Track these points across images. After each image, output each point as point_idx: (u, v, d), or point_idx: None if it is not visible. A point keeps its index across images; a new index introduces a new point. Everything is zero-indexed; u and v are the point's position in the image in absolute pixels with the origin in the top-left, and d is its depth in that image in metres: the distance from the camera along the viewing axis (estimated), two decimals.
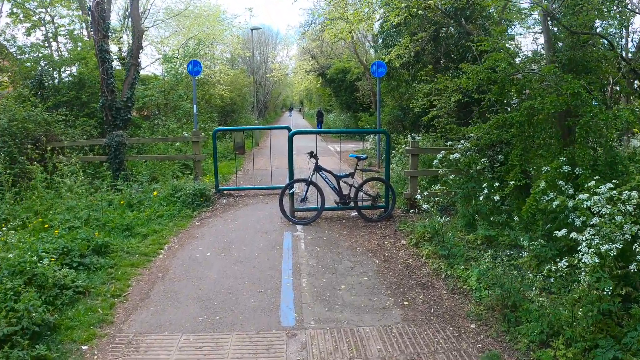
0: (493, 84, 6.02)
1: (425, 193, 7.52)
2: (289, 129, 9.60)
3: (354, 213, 7.87)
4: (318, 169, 7.45)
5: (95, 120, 12.29)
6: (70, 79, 13.43)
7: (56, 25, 13.86)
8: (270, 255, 6.12)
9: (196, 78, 13.35)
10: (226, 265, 5.75)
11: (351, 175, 7.48)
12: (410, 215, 7.88)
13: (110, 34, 11.69)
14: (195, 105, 13.59)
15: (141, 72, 18.77)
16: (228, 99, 23.48)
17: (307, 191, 7.48)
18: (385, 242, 6.58)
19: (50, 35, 13.65)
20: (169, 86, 17.36)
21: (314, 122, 34.48)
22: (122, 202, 8.21)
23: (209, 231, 7.31)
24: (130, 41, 12.52)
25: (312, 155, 7.38)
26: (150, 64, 19.45)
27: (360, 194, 7.53)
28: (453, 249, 5.64)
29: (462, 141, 6.35)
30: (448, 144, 8.89)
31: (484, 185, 6.01)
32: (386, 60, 12.08)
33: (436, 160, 6.59)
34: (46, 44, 13.59)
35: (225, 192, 9.93)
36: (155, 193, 8.89)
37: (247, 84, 28.57)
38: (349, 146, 19.97)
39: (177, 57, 18.08)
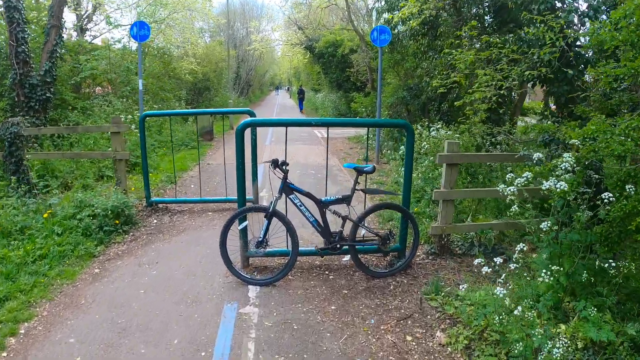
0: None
1: (472, 233, 4.50)
2: (250, 112, 6.45)
3: (346, 258, 4.80)
4: (287, 189, 4.33)
5: (4, 102, 8.95)
6: None
7: None
8: None
9: (156, 48, 10.26)
10: None
11: (346, 200, 4.36)
12: (441, 263, 4.84)
13: None
14: (140, 81, 10.34)
15: (96, 42, 15.32)
16: (200, 75, 20.10)
17: (266, 230, 4.33)
18: (408, 337, 3.54)
19: None
20: (120, 57, 13.96)
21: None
22: None
23: (104, 292, 4.24)
24: None
25: (277, 164, 4.24)
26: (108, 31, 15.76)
27: (361, 232, 4.46)
28: None
29: (565, 156, 3.24)
30: (494, 149, 5.86)
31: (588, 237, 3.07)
32: (393, 21, 8.88)
33: (509, 187, 3.43)
34: None
35: (159, 205, 6.80)
36: (46, 214, 5.75)
37: (225, 57, 25.05)
38: (342, 131, 16.84)
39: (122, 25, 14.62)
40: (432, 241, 5.04)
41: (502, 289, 2.99)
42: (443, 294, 4.02)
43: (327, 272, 4.61)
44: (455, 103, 6.42)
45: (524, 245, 3.24)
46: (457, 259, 4.90)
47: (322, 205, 4.30)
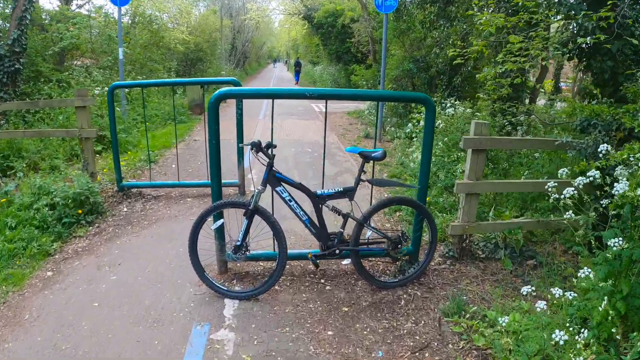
0: None
1: (497, 233, 3.66)
2: (235, 82, 5.52)
3: (347, 261, 3.97)
4: (272, 180, 3.43)
5: None
6: None
7: None
8: None
9: (146, 16, 9.15)
10: None
11: (348, 193, 3.49)
12: (460, 269, 4.02)
13: None
14: (121, 49, 9.37)
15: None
16: (192, 45, 18.93)
17: (245, 232, 3.42)
18: None
19: None
20: (103, 25, 12.84)
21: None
22: None
23: (53, 304, 3.43)
24: None
25: (259, 148, 3.36)
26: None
27: (367, 234, 3.60)
28: None
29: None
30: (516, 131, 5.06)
31: None
32: None
33: (567, 189, 2.56)
34: None
35: (133, 190, 5.94)
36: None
37: (219, 27, 23.76)
38: (341, 105, 15.88)
39: None
40: (451, 242, 4.20)
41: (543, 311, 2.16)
42: (468, 315, 3.20)
43: (322, 281, 3.78)
44: (477, 76, 5.47)
45: (586, 271, 2.39)
46: (480, 264, 4.08)
47: (318, 199, 3.43)
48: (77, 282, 3.78)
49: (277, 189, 3.35)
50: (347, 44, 17.84)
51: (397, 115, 10.28)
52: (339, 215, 3.46)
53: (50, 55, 10.21)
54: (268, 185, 3.34)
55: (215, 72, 21.74)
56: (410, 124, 7.39)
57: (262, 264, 3.99)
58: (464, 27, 7.59)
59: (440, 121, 5.84)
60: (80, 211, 4.98)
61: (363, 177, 3.39)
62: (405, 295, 3.59)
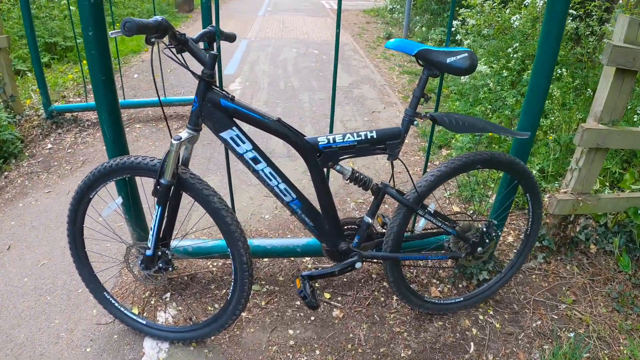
0: None
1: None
2: None
3: (358, 264, 2.13)
4: (214, 112, 1.47)
5: None
6: None
7: None
8: None
9: None
10: None
11: (388, 143, 1.57)
12: (560, 271, 2.36)
13: None
14: None
15: None
16: None
17: (159, 224, 1.56)
18: None
19: None
20: None
21: None
22: None
23: None
24: None
25: (174, 36, 1.34)
26: None
27: (419, 224, 1.85)
28: None
29: None
30: None
31: None
32: None
33: None
34: None
35: (64, 116, 4.14)
36: None
37: None
38: (355, 2, 13.55)
39: None
40: (547, 224, 2.48)
41: None
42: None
43: (327, 298, 2.15)
44: None
45: None
46: (584, 260, 2.43)
47: (322, 157, 1.62)
48: None
49: (225, 134, 1.54)
50: None
51: (429, 11, 8.03)
52: (365, 189, 1.71)
53: None
54: (204, 125, 1.53)
55: None
56: (453, 24, 5.32)
57: (216, 262, 2.34)
58: None
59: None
60: None
61: (421, 109, 1.57)
62: (474, 329, 1.98)
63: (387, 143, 1.58)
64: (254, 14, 11.40)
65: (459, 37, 5.31)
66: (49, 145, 3.77)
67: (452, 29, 5.36)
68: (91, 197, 1.64)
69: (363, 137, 1.55)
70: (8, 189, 3.13)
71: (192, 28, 9.11)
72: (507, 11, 4.60)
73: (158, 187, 1.50)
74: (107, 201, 1.77)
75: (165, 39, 1.33)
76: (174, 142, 1.43)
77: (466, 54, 1.47)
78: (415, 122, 1.59)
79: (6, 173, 3.33)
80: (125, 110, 4.39)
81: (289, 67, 6.08)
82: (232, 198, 2.13)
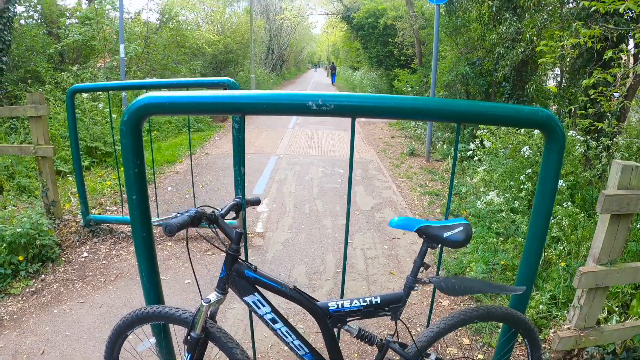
0: None
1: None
2: (230, 84, 3.84)
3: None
4: (239, 280, 1.70)
5: None
6: None
7: None
8: None
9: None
10: None
11: (391, 307, 1.68)
12: None
13: None
14: (122, 46, 8.05)
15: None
16: (221, 46, 17.67)
17: None
18: None
19: None
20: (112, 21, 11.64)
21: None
22: None
23: None
24: None
25: (199, 219, 1.66)
26: None
27: None
28: None
29: None
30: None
31: None
32: None
33: None
34: None
35: (100, 225, 4.47)
36: None
37: (254, 28, 22.49)
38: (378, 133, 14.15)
39: None
40: (552, 358, 2.44)
41: None
42: None
43: None
44: (583, 82, 3.68)
45: None
46: None
47: (332, 319, 1.75)
48: None
49: (249, 298, 1.70)
50: (389, 47, 16.11)
51: (449, 128, 8.49)
52: (370, 344, 1.79)
53: (49, 53, 9.04)
54: (230, 289, 1.71)
55: (247, 75, 20.46)
56: (472, 144, 5.61)
57: None
58: (544, 16, 5.77)
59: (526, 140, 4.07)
60: (20, 258, 3.60)
61: (422, 274, 1.70)
62: None
63: (390, 307, 1.70)
64: (285, 127, 12.05)
65: (476, 158, 5.56)
66: (85, 254, 4.02)
67: (470, 152, 5.63)
68: (128, 334, 1.82)
69: (368, 303, 1.68)
70: (44, 293, 3.34)
71: (224, 140, 9.79)
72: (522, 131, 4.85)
73: (189, 337, 1.65)
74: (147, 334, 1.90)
75: None
76: (204, 304, 1.64)
77: (461, 228, 1.63)
78: (416, 288, 1.71)
79: (43, 276, 3.57)
80: (157, 228, 4.67)
81: (314, 189, 6.26)
82: (254, 348, 2.22)
